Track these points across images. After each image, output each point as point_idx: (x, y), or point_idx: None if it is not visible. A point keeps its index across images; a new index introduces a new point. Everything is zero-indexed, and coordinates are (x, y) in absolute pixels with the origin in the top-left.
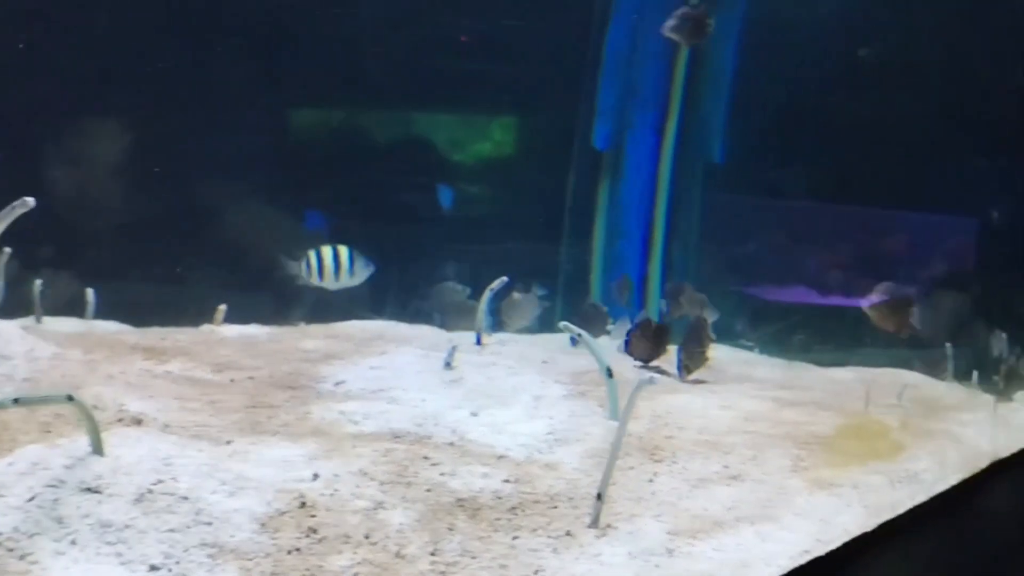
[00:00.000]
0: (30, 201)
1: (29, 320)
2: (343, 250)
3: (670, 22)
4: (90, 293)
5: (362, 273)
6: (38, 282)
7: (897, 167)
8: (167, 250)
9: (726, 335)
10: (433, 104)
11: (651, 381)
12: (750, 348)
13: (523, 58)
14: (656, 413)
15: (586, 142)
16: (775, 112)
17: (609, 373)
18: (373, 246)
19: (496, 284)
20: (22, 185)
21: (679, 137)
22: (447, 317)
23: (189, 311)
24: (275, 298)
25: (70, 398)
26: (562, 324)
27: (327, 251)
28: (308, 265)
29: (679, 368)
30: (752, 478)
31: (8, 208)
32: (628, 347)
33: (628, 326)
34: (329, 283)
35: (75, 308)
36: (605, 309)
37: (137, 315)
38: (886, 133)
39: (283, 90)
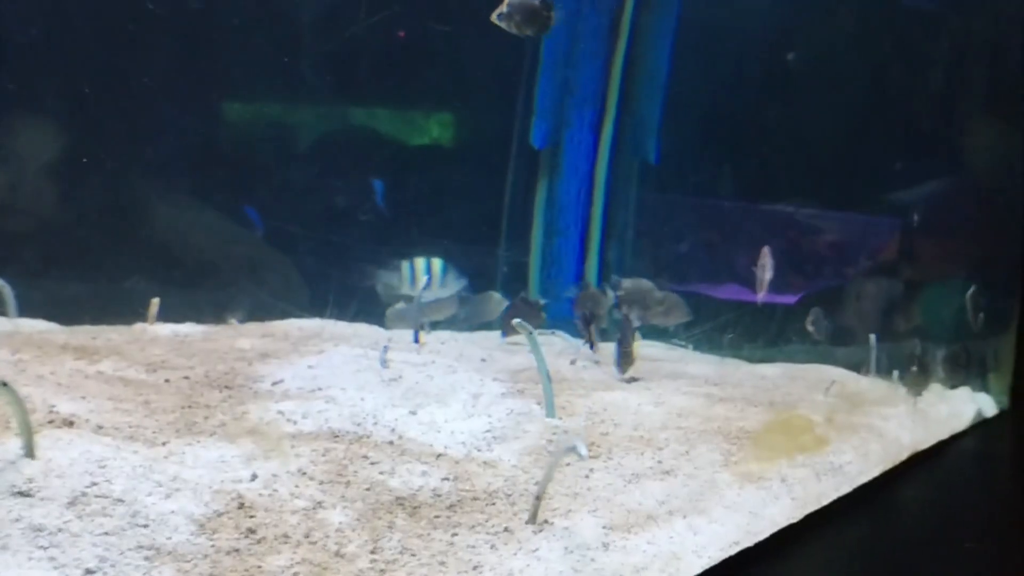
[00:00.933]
0: None
1: None
2: (436, 262)
3: (500, 8)
4: (7, 289)
5: (453, 285)
6: None
7: (825, 169)
8: (97, 247)
9: (660, 333)
10: (370, 101)
11: (581, 457)
12: (683, 346)
13: (462, 55)
14: (592, 410)
15: (524, 140)
16: (708, 114)
17: (548, 377)
18: (309, 244)
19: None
20: None
21: (615, 137)
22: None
23: (120, 309)
24: (210, 296)
25: (3, 384)
26: (516, 322)
27: (420, 262)
28: (400, 275)
29: (618, 365)
30: (684, 472)
31: None
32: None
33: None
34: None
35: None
36: (540, 303)
37: (66, 313)
38: (815, 135)
39: (218, 85)
